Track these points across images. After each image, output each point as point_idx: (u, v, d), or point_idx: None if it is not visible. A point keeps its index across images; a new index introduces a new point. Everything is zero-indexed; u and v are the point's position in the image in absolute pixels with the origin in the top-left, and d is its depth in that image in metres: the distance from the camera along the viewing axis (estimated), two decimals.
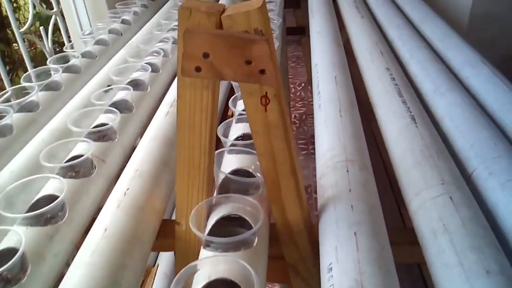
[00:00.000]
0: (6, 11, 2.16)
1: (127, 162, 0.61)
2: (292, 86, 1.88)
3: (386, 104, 0.56)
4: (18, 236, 0.41)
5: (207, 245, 0.41)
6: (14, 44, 2.39)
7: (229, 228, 0.44)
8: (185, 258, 0.48)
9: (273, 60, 0.35)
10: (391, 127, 0.52)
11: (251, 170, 0.48)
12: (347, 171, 0.44)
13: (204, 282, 0.36)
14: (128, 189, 0.48)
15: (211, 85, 0.38)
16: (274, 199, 0.42)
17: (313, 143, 1.27)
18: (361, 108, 0.60)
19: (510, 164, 0.43)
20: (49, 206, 0.44)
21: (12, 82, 2.37)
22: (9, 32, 2.47)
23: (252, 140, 0.51)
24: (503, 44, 1.22)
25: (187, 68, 0.36)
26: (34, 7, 1.02)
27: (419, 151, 0.45)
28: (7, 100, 0.73)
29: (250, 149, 0.50)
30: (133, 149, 0.65)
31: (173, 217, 0.48)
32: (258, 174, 0.47)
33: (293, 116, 1.70)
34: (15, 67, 2.41)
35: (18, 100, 0.70)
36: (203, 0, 0.37)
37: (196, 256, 0.44)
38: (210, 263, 0.38)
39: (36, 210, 0.46)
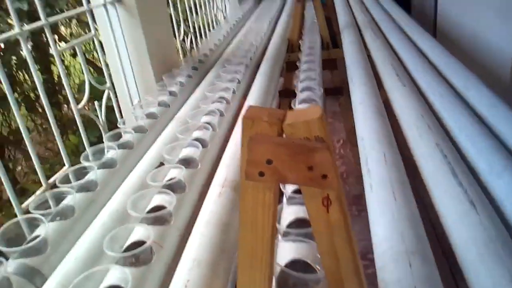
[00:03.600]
0: (58, 76, 2.33)
1: (182, 245, 0.62)
2: None
3: (441, 186, 0.55)
4: None
5: None
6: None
7: None
8: None
9: (334, 166, 0.36)
10: (449, 212, 0.51)
11: (309, 262, 0.48)
12: (410, 265, 0.43)
13: None
14: (188, 280, 0.49)
15: (273, 187, 0.39)
16: None
17: (356, 204, 1.25)
18: (413, 186, 0.59)
19: None
20: None
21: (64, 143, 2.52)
22: (60, 97, 2.66)
23: (308, 229, 0.52)
24: None
25: (251, 173, 0.38)
26: (90, 83, 1.10)
27: (483, 244, 0.44)
28: (67, 181, 0.77)
29: (306, 238, 0.50)
30: (187, 230, 0.67)
31: None
32: (318, 267, 0.47)
33: None
34: (65, 130, 2.56)
35: (79, 182, 0.74)
36: (263, 107, 0.39)
37: None
38: None
39: None
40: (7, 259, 0.57)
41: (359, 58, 1.14)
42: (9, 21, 1.98)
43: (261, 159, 0.37)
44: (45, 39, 2.18)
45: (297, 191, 0.61)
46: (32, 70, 0.82)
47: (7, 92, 0.79)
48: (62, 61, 2.78)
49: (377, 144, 0.67)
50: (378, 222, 0.51)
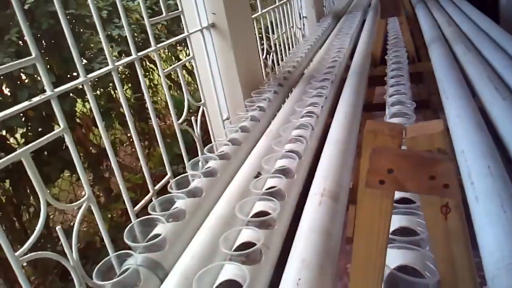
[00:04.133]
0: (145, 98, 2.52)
1: (284, 248, 0.67)
2: None
3: None
4: None
5: None
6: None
7: None
8: None
9: (456, 176, 0.38)
10: None
11: (418, 269, 0.50)
12: None
13: None
14: (300, 279, 0.53)
15: (391, 195, 0.42)
16: None
17: None
18: None
19: None
20: None
21: (149, 154, 2.72)
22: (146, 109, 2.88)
23: (414, 237, 0.54)
24: None
25: (371, 181, 0.41)
26: (188, 100, 1.20)
27: None
28: (174, 187, 0.86)
29: (413, 245, 0.52)
30: (287, 236, 0.71)
31: None
32: (427, 274, 0.48)
33: None
34: (151, 142, 2.76)
35: (188, 188, 0.82)
36: (381, 121, 0.43)
37: None
38: None
39: None
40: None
41: (451, 71, 1.12)
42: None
43: (383, 169, 0.41)
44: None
45: (398, 202, 0.62)
46: (119, 90, 0.91)
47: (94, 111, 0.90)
48: (151, 79, 2.99)
49: (480, 156, 0.66)
50: (487, 233, 0.52)
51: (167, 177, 1.07)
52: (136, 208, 0.93)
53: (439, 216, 0.40)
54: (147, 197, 1.00)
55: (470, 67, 1.16)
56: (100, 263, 0.63)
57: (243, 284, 0.52)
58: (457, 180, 0.38)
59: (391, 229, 0.58)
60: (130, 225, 0.71)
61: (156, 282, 0.63)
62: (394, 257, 0.52)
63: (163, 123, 3.08)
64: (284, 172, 0.82)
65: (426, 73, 1.50)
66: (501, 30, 1.57)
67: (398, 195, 0.63)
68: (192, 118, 1.25)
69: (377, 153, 0.40)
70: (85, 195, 0.77)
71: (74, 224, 0.73)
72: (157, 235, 0.69)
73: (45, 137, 0.69)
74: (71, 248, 0.72)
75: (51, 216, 1.93)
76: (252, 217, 0.70)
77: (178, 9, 1.17)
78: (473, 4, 2.17)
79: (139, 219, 0.73)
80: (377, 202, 0.43)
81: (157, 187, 1.03)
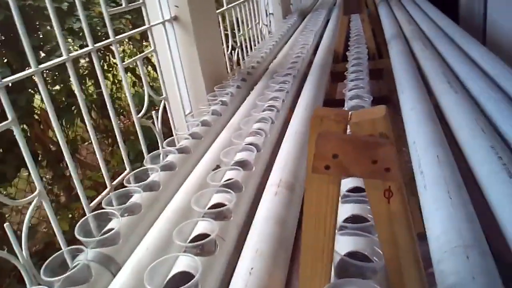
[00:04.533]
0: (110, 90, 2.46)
1: (240, 239, 0.66)
2: None
3: (496, 186, 0.56)
4: None
5: None
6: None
7: None
8: None
9: (396, 160, 0.39)
10: (505, 213, 0.52)
11: (367, 254, 0.50)
12: (467, 258, 0.45)
13: None
14: (252, 268, 0.53)
15: (337, 180, 0.43)
16: (396, 287, 0.44)
17: None
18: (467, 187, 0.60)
19: None
20: (189, 284, 0.49)
21: (113, 152, 2.65)
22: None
23: (364, 224, 0.55)
24: None
25: (317, 167, 0.41)
26: (149, 95, 1.18)
27: None
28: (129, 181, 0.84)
29: (363, 232, 0.53)
30: (244, 226, 0.71)
31: None
32: (375, 258, 0.49)
33: None
34: (115, 140, 2.70)
35: (144, 182, 0.80)
36: (329, 108, 0.43)
37: None
38: None
39: (171, 285, 0.52)
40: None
41: (408, 67, 1.15)
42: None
43: (328, 154, 0.41)
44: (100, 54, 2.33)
45: (351, 190, 0.63)
46: (74, 83, 0.89)
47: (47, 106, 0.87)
48: (114, 75, 2.92)
49: (431, 146, 0.68)
50: (434, 219, 0.53)
51: (125, 172, 1.04)
52: (92, 204, 0.90)
53: (383, 200, 0.41)
54: (104, 193, 0.97)
55: (427, 64, 1.20)
56: (49, 259, 0.61)
57: (195, 275, 0.51)
58: (397, 165, 0.39)
59: (344, 217, 0.59)
60: (82, 219, 0.69)
61: (109, 277, 0.61)
62: (345, 244, 0.53)
63: (127, 121, 3.01)
64: (242, 164, 0.82)
65: (386, 70, 1.53)
66: (459, 28, 1.63)
67: (351, 184, 0.64)
68: (153, 112, 1.23)
69: (322, 138, 0.40)
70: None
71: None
72: (111, 230, 0.67)
73: None
74: (21, 246, 0.69)
75: (8, 217, 1.85)
76: (208, 209, 0.69)
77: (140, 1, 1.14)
78: (434, 4, 2.24)
79: (92, 213, 0.71)
80: (324, 187, 0.43)
81: (115, 182, 1.00)
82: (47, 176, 1.93)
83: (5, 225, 0.68)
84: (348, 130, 0.42)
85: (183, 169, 0.90)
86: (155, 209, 0.76)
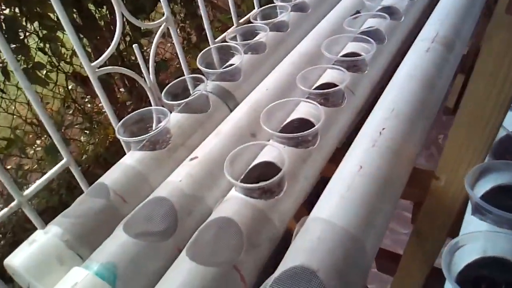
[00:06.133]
0: None
1: (373, 96, 0.57)
2: None
3: None
4: (280, 154, 0.43)
5: (480, 212, 0.35)
6: None
7: (505, 200, 0.37)
8: (433, 214, 0.43)
9: None
10: None
11: None
12: None
13: (476, 257, 0.31)
14: (383, 128, 0.44)
15: None
16: None
17: None
18: None
19: None
20: (309, 131, 0.44)
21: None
22: None
23: None
24: None
25: None
26: None
27: None
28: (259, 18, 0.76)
29: None
30: (380, 83, 0.61)
31: None
32: None
33: None
34: None
35: (271, 20, 0.72)
36: None
37: (446, 217, 0.39)
38: (485, 238, 0.32)
39: (289, 131, 0.47)
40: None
41: None
42: None
43: None
44: None
45: None
46: None
47: None
48: None
49: None
50: None
51: (253, 11, 0.97)
52: (217, 39, 0.87)
53: None
54: (230, 30, 0.92)
55: None
56: (170, 84, 0.60)
57: (316, 124, 0.45)
58: None
59: None
60: (205, 49, 0.66)
61: (226, 111, 0.59)
62: None
63: None
64: (390, 11, 0.67)
65: None
66: None
67: None
68: None
69: None
70: None
71: None
72: (232, 65, 0.63)
73: None
74: (148, 71, 0.69)
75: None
76: (341, 57, 0.60)
77: None
78: None
79: (215, 45, 0.66)
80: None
81: (242, 20, 0.94)
82: (180, 15, 1.97)
83: (133, 45, 0.68)
84: None
85: (317, 12, 0.79)
86: (280, 50, 0.69)
